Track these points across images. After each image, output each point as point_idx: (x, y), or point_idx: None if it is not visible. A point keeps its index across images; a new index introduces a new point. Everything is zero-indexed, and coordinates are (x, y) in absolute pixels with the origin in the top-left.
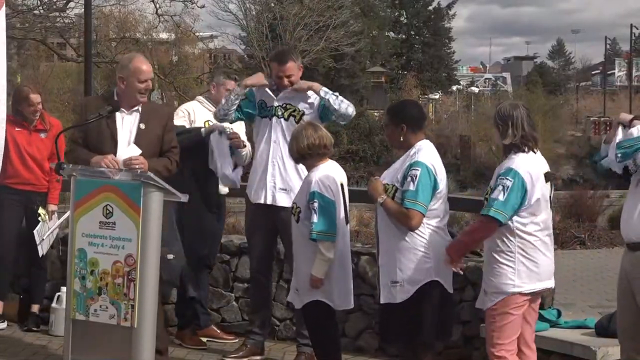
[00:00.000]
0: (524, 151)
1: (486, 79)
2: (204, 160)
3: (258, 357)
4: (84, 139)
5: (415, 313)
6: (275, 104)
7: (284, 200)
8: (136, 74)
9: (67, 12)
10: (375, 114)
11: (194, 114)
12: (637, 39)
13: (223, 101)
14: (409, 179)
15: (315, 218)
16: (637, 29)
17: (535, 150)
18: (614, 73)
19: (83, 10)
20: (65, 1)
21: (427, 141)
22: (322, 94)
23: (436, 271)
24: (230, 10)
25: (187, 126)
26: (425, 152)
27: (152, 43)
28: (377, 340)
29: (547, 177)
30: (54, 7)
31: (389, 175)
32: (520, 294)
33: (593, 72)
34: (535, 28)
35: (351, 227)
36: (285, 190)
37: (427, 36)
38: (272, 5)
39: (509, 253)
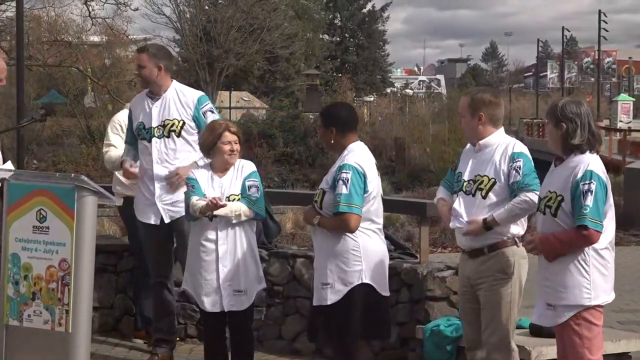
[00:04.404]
0: (589, 151)
1: (420, 81)
2: None
3: None
4: None
5: (343, 315)
6: (154, 124)
7: (177, 213)
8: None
9: None
10: (310, 116)
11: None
12: (568, 41)
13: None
14: (340, 182)
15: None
16: (569, 31)
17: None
18: (547, 75)
19: (15, 13)
20: None
21: (360, 143)
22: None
23: (367, 274)
24: (164, 13)
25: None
26: (355, 154)
27: (84, 46)
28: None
29: None
30: None
31: (324, 180)
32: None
33: (526, 74)
34: (470, 31)
35: (287, 230)
36: (173, 203)
37: (361, 39)
38: (207, 8)
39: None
